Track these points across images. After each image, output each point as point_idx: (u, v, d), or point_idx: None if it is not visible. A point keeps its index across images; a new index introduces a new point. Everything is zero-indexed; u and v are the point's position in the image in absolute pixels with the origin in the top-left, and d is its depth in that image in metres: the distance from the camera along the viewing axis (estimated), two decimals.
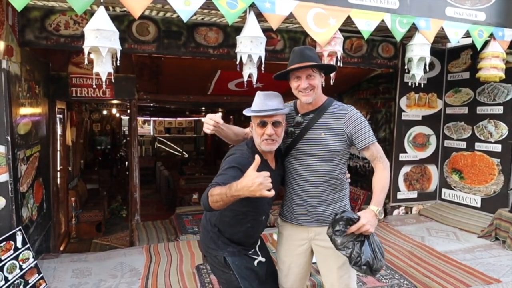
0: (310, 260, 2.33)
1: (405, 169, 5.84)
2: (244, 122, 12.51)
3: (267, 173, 1.64)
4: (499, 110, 5.16)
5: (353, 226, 1.98)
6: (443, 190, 5.99)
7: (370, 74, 6.33)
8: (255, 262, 2.22)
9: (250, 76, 3.35)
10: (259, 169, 1.99)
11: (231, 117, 13.76)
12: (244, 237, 2.18)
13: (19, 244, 3.25)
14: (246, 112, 2.10)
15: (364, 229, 1.98)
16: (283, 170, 2.29)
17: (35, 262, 3.35)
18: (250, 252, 2.23)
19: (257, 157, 1.70)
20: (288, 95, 2.34)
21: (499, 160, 5.18)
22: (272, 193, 1.62)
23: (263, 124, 2.02)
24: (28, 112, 3.95)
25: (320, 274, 2.47)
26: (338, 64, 3.51)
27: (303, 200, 2.21)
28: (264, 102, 2.03)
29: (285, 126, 2.17)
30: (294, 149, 2.22)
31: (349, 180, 2.35)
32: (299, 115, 2.23)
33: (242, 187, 1.63)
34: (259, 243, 2.32)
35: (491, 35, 4.39)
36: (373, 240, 2.06)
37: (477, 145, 5.46)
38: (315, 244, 2.25)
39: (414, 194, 5.94)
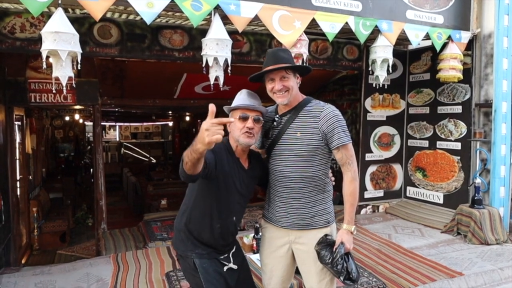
0: (292, 263, 2.30)
1: (372, 169, 5.98)
2: None
3: (216, 120, 1.59)
4: (458, 109, 5.38)
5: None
6: (408, 188, 6.17)
7: (335, 76, 6.45)
8: (225, 268, 2.15)
9: (217, 79, 3.33)
10: (230, 164, 2.09)
11: (198, 121, 13.62)
12: (213, 239, 2.11)
13: None
14: (227, 108, 2.14)
15: (347, 250, 2.12)
16: (257, 172, 2.26)
17: None
18: (222, 258, 2.17)
19: (211, 105, 1.63)
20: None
21: (459, 157, 5.39)
22: (218, 138, 1.56)
23: (244, 118, 2.06)
24: None
25: None
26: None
27: (284, 202, 2.18)
28: (247, 98, 2.10)
29: (262, 129, 2.19)
30: (273, 150, 2.21)
31: (333, 182, 2.31)
32: (277, 116, 2.22)
33: (198, 138, 1.63)
34: (234, 250, 2.26)
35: (449, 38, 4.58)
36: (352, 255, 2.18)
37: (439, 144, 5.67)
38: (295, 248, 2.23)
39: (380, 193, 6.09)
